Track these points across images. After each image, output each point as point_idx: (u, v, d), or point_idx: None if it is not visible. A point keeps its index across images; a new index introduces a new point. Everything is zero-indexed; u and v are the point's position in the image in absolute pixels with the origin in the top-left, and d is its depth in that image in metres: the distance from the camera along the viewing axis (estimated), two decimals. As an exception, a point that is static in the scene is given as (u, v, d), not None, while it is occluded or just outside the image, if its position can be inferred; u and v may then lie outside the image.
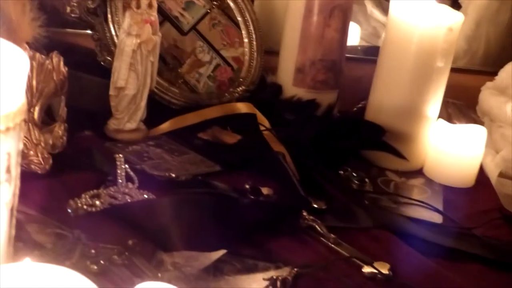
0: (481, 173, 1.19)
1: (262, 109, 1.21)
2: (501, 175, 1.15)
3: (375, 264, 0.89)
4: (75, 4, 1.19)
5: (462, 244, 0.98)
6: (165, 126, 1.17)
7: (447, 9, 1.17)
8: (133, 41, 1.08)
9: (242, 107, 1.21)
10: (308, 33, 1.21)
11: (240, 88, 1.25)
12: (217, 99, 1.23)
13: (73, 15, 1.20)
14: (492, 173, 1.16)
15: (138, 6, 1.08)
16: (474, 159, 1.16)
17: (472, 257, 0.96)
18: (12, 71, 0.60)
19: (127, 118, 1.12)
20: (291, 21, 1.23)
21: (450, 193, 1.14)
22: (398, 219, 1.02)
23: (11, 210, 0.65)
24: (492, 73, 1.42)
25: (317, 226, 0.95)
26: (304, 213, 0.96)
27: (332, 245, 0.93)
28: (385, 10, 1.63)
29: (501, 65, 1.44)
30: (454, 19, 1.12)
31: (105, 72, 1.16)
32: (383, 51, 1.17)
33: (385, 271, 0.89)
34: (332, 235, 0.94)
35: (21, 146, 0.64)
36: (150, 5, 1.09)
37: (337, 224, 0.97)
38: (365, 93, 1.26)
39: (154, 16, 1.10)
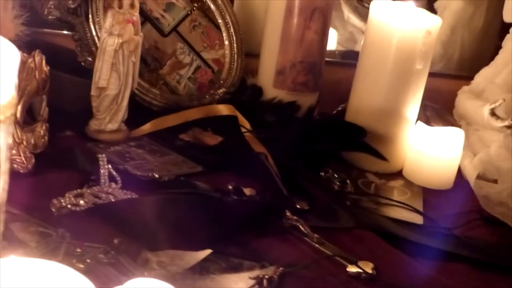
0: (459, 175, 1.20)
1: (243, 111, 1.21)
2: (479, 177, 1.16)
3: (359, 263, 0.89)
4: (51, 6, 1.19)
5: (443, 244, 0.99)
6: (146, 127, 1.16)
7: (425, 12, 1.19)
8: (115, 41, 1.08)
9: (223, 109, 1.22)
10: (289, 34, 1.22)
11: (221, 90, 1.25)
12: (198, 101, 1.23)
13: (50, 17, 1.19)
14: (471, 175, 1.17)
15: (120, 6, 1.08)
16: (453, 161, 1.17)
17: (453, 257, 0.97)
18: (2, 64, 0.59)
19: (109, 119, 1.12)
20: (271, 22, 1.24)
21: (429, 194, 1.15)
22: (380, 220, 1.03)
23: (0, 205, 0.64)
24: (467, 78, 1.44)
25: (300, 226, 0.96)
26: (288, 213, 0.97)
27: (316, 245, 0.93)
28: (361, 15, 1.64)
29: (476, 70, 1.45)
30: (432, 22, 1.14)
31: (85, 72, 1.16)
32: (363, 53, 1.18)
33: (369, 270, 0.89)
34: (316, 235, 0.94)
35: (10, 140, 0.63)
36: (132, 5, 1.09)
37: (320, 224, 0.97)
38: (343, 97, 1.27)
39: (136, 16, 1.09)
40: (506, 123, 1.22)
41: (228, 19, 1.26)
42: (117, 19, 1.08)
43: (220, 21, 1.26)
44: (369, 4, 1.65)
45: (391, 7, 1.16)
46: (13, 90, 0.61)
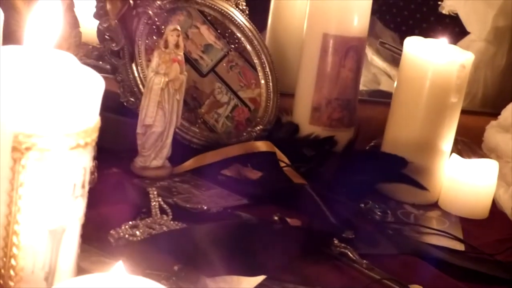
0: (494, 205, 1.23)
1: (281, 147, 1.24)
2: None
3: (411, 287, 0.92)
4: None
5: (487, 268, 1.01)
6: (189, 164, 1.20)
7: (457, 48, 1.23)
8: (161, 80, 1.12)
9: (261, 146, 1.25)
10: (324, 72, 1.27)
11: (258, 128, 1.29)
12: (236, 138, 1.27)
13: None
14: (507, 204, 1.20)
15: (166, 46, 1.13)
16: (488, 190, 1.20)
17: (498, 281, 0.99)
18: (89, 89, 0.63)
19: (154, 156, 1.15)
20: (306, 61, 1.28)
21: (467, 224, 1.18)
22: (423, 246, 1.05)
23: (82, 226, 0.68)
24: (491, 114, 1.48)
25: (349, 253, 0.98)
26: (335, 241, 0.99)
27: (366, 270, 0.96)
28: (384, 57, 1.70)
29: (499, 106, 1.50)
30: (466, 57, 1.18)
31: (128, 112, 1.21)
32: (398, 88, 1.22)
33: (418, 294, 0.92)
34: (365, 261, 0.97)
35: (92, 163, 0.67)
36: (177, 45, 1.13)
37: (367, 251, 1.00)
38: (374, 134, 1.31)
39: (181, 55, 1.14)
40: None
41: (264, 59, 1.30)
42: (163, 59, 1.12)
43: (256, 61, 1.30)
44: (390, 46, 1.72)
45: (425, 43, 1.21)
46: (97, 115, 0.65)
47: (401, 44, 1.23)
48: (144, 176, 1.15)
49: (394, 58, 1.71)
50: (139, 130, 1.15)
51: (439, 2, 1.65)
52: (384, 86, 1.64)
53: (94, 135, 0.64)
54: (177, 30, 1.13)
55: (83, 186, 0.64)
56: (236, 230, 0.94)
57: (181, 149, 1.23)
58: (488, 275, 1.00)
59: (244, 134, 1.29)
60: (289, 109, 1.35)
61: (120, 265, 0.59)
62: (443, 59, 1.17)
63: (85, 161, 0.64)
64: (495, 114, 1.48)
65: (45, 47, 0.63)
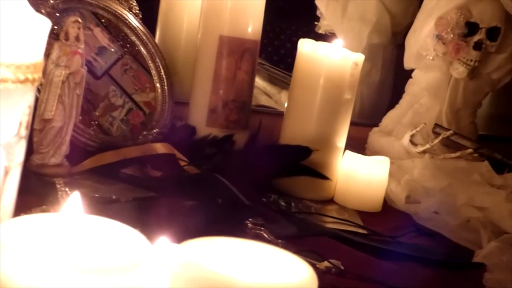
0: (385, 201, 1.28)
1: (179, 149, 1.23)
2: (407, 200, 1.25)
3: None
4: None
5: (393, 247, 1.05)
6: (87, 163, 1.16)
7: (348, 50, 1.29)
8: (62, 72, 1.09)
9: (160, 147, 1.23)
10: (221, 74, 1.28)
11: (154, 131, 1.28)
12: (132, 141, 1.25)
13: None
14: (399, 196, 1.25)
15: (67, 38, 1.10)
16: (381, 185, 1.25)
17: (404, 257, 1.04)
18: (36, 25, 0.61)
19: (52, 152, 1.11)
20: (202, 63, 1.30)
21: (363, 216, 1.22)
22: (330, 230, 1.08)
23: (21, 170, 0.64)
24: (368, 125, 1.57)
25: (264, 234, 0.99)
26: (249, 224, 1.00)
27: (282, 249, 0.96)
28: (263, 77, 1.74)
29: (376, 118, 1.59)
30: (358, 56, 1.24)
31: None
32: (293, 86, 1.26)
33: (338, 265, 0.93)
34: (280, 240, 0.98)
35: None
36: (77, 38, 1.11)
37: (282, 233, 1.01)
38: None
39: (82, 49, 1.12)
40: (423, 148, 1.33)
41: (159, 63, 1.30)
42: (64, 51, 1.09)
43: (151, 64, 1.30)
44: (269, 66, 1.78)
45: (319, 44, 1.26)
46: (42, 56, 0.63)
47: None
48: (42, 174, 1.10)
49: (272, 78, 1.77)
50: (36, 125, 1.10)
51: (316, 23, 1.73)
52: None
53: (40, 73, 0.61)
54: (78, 22, 1.11)
55: (27, 128, 0.61)
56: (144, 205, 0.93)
57: (76, 152, 1.19)
58: (398, 253, 1.03)
59: (140, 137, 1.27)
60: (183, 116, 1.35)
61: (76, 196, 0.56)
62: (337, 56, 1.22)
63: (30, 99, 0.61)
64: (372, 125, 1.56)
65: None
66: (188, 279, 0.53)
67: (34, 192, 0.99)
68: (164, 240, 0.56)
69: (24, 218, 0.55)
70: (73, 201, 0.56)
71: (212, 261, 0.57)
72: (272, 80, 1.77)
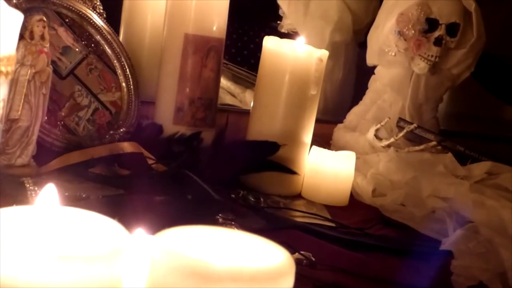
0: (351, 195, 1.30)
1: (147, 147, 1.24)
2: (374, 194, 1.27)
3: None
4: None
5: (361, 239, 1.07)
6: (54, 163, 1.16)
7: (311, 47, 1.30)
8: (28, 71, 1.08)
9: (127, 146, 1.23)
10: (186, 72, 1.29)
11: (121, 130, 1.28)
12: (98, 141, 1.25)
13: None
14: (366, 190, 1.27)
15: (32, 37, 1.09)
16: (347, 179, 1.27)
17: (372, 248, 1.05)
18: (8, 19, 0.61)
19: (19, 153, 1.10)
20: (168, 61, 1.30)
21: (330, 210, 1.23)
22: (299, 223, 1.09)
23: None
24: (332, 122, 1.58)
25: (235, 228, 0.99)
26: (220, 219, 1.00)
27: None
28: (227, 77, 1.75)
29: (339, 115, 1.61)
30: (322, 52, 1.25)
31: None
32: (259, 83, 1.27)
33: (309, 257, 0.95)
34: (251, 234, 0.98)
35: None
36: (42, 37, 1.10)
37: (248, 229, 1.01)
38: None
39: (47, 47, 1.11)
40: (388, 142, 1.35)
41: (124, 62, 1.30)
42: (30, 50, 1.09)
43: (116, 64, 1.30)
44: (232, 65, 1.79)
45: (283, 41, 1.27)
46: (14, 49, 0.63)
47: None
48: (9, 175, 1.09)
49: (236, 77, 1.78)
50: (2, 126, 1.09)
51: (278, 22, 1.74)
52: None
53: (13, 66, 0.61)
54: (43, 21, 1.10)
55: (0, 121, 0.61)
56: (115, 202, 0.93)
57: (43, 152, 1.19)
58: (367, 244, 1.05)
59: (107, 136, 1.27)
60: (147, 116, 1.35)
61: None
62: (302, 52, 1.23)
63: (3, 93, 0.61)
64: (336, 122, 1.58)
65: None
66: (167, 266, 0.54)
67: (3, 193, 0.98)
68: (140, 231, 0.56)
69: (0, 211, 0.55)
70: (47, 194, 0.56)
71: (191, 248, 0.57)
72: (236, 80, 1.78)
